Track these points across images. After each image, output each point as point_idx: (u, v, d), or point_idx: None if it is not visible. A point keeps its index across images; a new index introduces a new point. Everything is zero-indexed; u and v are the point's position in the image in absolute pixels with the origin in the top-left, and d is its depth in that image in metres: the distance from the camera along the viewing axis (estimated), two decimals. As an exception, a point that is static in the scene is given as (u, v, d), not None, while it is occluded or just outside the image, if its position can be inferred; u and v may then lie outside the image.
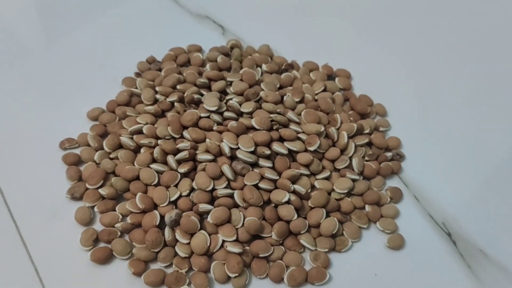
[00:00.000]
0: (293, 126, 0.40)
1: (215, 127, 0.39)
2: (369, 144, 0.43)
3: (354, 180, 0.40)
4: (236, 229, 0.36)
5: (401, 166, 0.42)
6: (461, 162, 0.43)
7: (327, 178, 0.39)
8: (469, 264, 0.37)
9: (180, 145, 0.38)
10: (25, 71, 0.48)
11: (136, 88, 0.45)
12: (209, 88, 0.44)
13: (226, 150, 0.37)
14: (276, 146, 0.38)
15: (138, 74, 0.47)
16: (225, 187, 0.37)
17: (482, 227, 0.39)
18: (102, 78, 0.47)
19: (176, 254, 0.35)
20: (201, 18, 0.55)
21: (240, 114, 0.41)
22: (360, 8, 0.57)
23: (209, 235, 0.36)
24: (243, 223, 0.36)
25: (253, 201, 0.36)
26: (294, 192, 0.37)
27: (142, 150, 0.40)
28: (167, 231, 0.36)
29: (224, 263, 0.35)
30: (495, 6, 0.58)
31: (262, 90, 0.43)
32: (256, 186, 0.37)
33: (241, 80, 0.43)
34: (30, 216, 0.38)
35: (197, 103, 0.42)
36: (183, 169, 0.38)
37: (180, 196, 0.37)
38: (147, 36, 0.52)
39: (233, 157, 0.38)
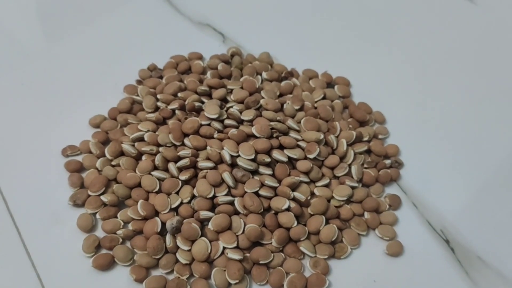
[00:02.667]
0: (293, 134, 0.40)
1: (215, 135, 0.40)
2: (368, 151, 0.43)
3: (353, 188, 0.40)
4: (237, 236, 0.36)
5: (400, 173, 0.43)
6: (459, 170, 0.44)
7: (327, 186, 0.40)
8: (467, 270, 0.37)
9: (181, 152, 0.38)
10: (28, 78, 0.48)
11: (138, 95, 0.45)
12: (209, 96, 0.44)
13: (227, 158, 0.38)
14: (276, 154, 0.39)
15: (139, 82, 0.48)
16: (226, 194, 0.37)
17: (480, 234, 0.39)
18: (103, 85, 0.48)
19: (177, 260, 0.36)
20: (202, 26, 0.55)
21: (240, 121, 0.41)
22: (359, 17, 0.58)
23: (210, 242, 0.36)
24: (243, 230, 0.36)
25: (253, 208, 0.37)
26: (294, 199, 0.38)
27: (143, 157, 0.40)
28: (168, 238, 0.36)
29: (225, 270, 0.35)
30: (492, 15, 0.59)
31: (262, 98, 0.43)
32: (256, 193, 0.37)
33: (242, 88, 0.44)
34: (32, 222, 0.38)
35: (198, 111, 0.42)
36: (184, 176, 0.38)
37: (181, 203, 0.38)
38: (148, 43, 0.53)
39: (233, 165, 0.38)
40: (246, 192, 0.37)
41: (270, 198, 0.37)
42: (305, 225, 0.38)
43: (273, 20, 0.57)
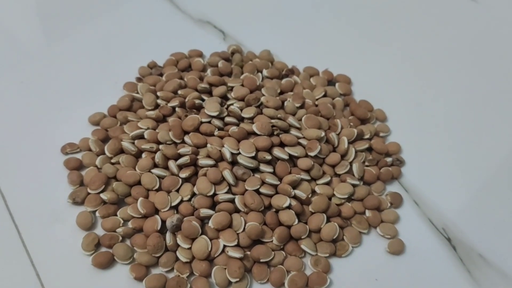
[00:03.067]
0: (293, 132, 0.40)
1: (216, 132, 0.40)
2: (369, 149, 0.43)
3: (354, 185, 0.40)
4: (237, 234, 0.36)
5: (401, 171, 0.43)
6: (460, 167, 0.43)
7: (328, 183, 0.40)
8: (469, 268, 0.37)
9: (181, 150, 0.38)
10: (27, 76, 0.48)
11: (138, 93, 0.45)
12: (210, 93, 0.44)
13: (227, 155, 0.38)
14: (277, 151, 0.39)
15: (139, 79, 0.47)
16: (226, 192, 0.37)
17: (481, 232, 0.39)
18: (103, 83, 0.48)
19: (177, 259, 0.36)
20: (202, 23, 0.55)
21: (241, 119, 0.41)
22: (360, 14, 0.58)
23: (210, 240, 0.36)
24: (244, 228, 0.36)
25: (254, 206, 0.36)
26: (295, 197, 0.37)
27: (143, 155, 0.40)
28: (168, 236, 0.36)
29: (225, 268, 0.35)
30: (494, 13, 0.58)
31: (263, 95, 0.43)
32: (257, 191, 0.37)
33: (242, 85, 0.44)
34: (32, 220, 0.38)
35: (198, 108, 0.42)
36: (184, 174, 0.38)
37: (181, 201, 0.37)
38: (148, 41, 0.52)
39: (234, 162, 0.38)
40: (246, 190, 0.37)
41: (270, 196, 0.37)
42: (306, 223, 0.37)
43: (273, 18, 0.57)
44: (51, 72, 0.49)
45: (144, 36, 0.53)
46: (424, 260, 0.38)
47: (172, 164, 0.38)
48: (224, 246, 0.36)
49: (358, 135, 0.42)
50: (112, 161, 0.40)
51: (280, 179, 0.38)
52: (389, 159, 0.43)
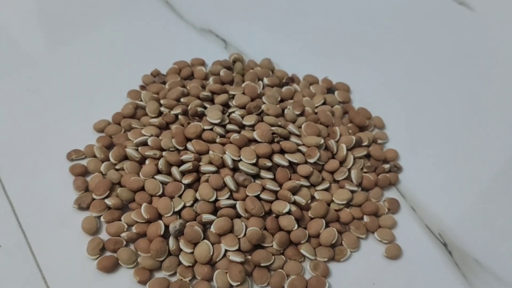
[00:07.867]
0: (293, 139, 0.41)
1: (218, 140, 0.40)
2: (368, 156, 0.44)
3: (352, 191, 0.40)
4: (238, 238, 0.37)
5: (399, 177, 0.43)
6: (457, 174, 0.44)
7: (327, 189, 0.40)
8: (465, 273, 0.38)
9: (184, 157, 0.39)
10: (33, 84, 0.49)
11: (141, 100, 0.46)
12: (212, 101, 0.44)
13: (229, 162, 0.38)
14: (277, 158, 0.39)
15: (142, 87, 0.48)
16: (228, 198, 0.38)
17: (477, 237, 0.40)
18: (107, 91, 0.48)
19: (180, 263, 0.36)
20: (204, 32, 0.56)
21: (242, 126, 0.42)
22: (359, 24, 0.59)
23: (212, 244, 0.37)
24: (245, 233, 0.37)
25: (254, 211, 0.37)
26: (295, 203, 0.38)
27: (147, 162, 0.41)
28: (171, 240, 0.36)
29: (227, 272, 0.36)
30: (491, 22, 0.59)
31: (264, 103, 0.44)
32: (257, 197, 0.38)
33: (243, 93, 0.44)
34: (38, 225, 0.39)
35: (201, 116, 0.43)
36: (187, 180, 0.38)
37: (184, 206, 0.38)
38: (151, 49, 0.53)
39: (235, 169, 0.39)
40: (247, 195, 0.38)
41: (271, 202, 0.38)
42: (305, 228, 0.38)
43: (274, 27, 0.57)
44: (57, 80, 0.50)
45: (148, 45, 0.54)
46: (420, 265, 0.38)
47: (175, 170, 0.39)
48: (226, 251, 0.36)
49: (356, 142, 0.43)
50: (117, 167, 0.41)
51: (280, 185, 0.39)
52: (386, 166, 0.43)
